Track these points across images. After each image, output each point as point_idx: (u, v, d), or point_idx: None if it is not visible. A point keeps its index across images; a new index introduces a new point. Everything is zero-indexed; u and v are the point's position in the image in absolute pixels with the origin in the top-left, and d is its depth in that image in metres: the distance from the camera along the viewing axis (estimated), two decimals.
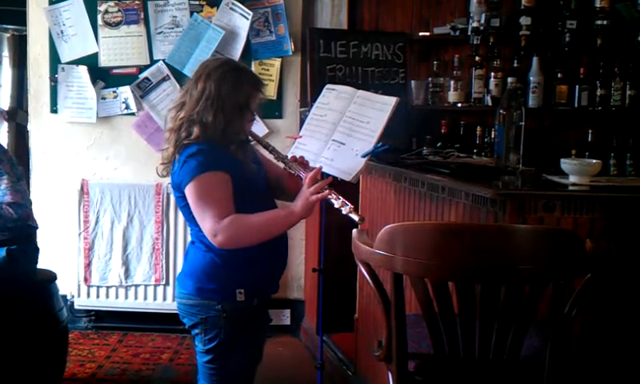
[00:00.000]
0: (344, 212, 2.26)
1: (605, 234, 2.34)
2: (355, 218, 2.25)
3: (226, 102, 2.35)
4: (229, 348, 2.38)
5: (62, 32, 4.47)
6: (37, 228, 3.29)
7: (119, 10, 4.47)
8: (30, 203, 3.30)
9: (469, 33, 4.30)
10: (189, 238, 2.55)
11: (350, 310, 3.68)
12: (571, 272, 1.81)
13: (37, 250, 3.38)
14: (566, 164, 2.64)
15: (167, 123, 2.43)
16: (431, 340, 1.86)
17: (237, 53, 4.38)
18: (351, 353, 3.73)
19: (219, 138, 2.35)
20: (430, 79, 4.46)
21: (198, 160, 2.29)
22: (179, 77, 4.41)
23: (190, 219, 2.38)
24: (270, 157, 2.58)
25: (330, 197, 2.32)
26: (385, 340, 1.95)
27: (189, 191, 2.29)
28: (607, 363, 2.40)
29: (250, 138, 2.49)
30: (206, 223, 2.27)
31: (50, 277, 3.50)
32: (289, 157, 2.56)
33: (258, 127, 4.23)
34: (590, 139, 4.21)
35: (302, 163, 2.51)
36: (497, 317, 1.80)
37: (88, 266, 4.47)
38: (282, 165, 2.53)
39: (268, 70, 4.48)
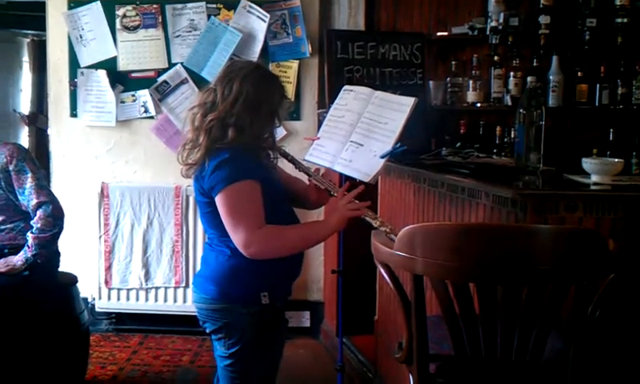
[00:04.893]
0: (382, 231, 2.21)
1: (628, 234, 2.31)
2: (394, 238, 2.22)
3: (263, 107, 2.33)
4: (252, 351, 2.37)
5: (80, 37, 4.51)
6: (61, 230, 3.32)
7: (137, 14, 4.49)
8: (55, 197, 3.33)
9: (487, 32, 4.28)
10: (207, 240, 2.53)
11: (370, 312, 3.66)
12: (594, 272, 1.79)
13: (58, 253, 3.41)
14: (587, 163, 2.61)
15: (188, 122, 2.36)
16: (452, 342, 1.84)
17: (254, 55, 4.39)
18: (371, 354, 3.72)
19: (252, 144, 2.33)
20: (448, 79, 4.44)
21: (231, 167, 2.25)
22: (197, 80, 4.43)
23: (213, 225, 2.34)
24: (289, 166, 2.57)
25: (366, 215, 2.32)
26: (405, 342, 1.94)
27: (221, 200, 2.25)
28: (631, 365, 2.37)
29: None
30: (240, 234, 2.24)
31: (72, 280, 3.52)
32: (307, 165, 2.56)
33: (277, 130, 4.22)
34: (611, 138, 4.17)
35: (326, 176, 2.52)
36: (519, 318, 1.78)
37: (108, 268, 4.50)
38: (303, 176, 2.53)
39: (286, 71, 4.48)
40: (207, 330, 2.43)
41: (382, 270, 1.96)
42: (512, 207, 2.37)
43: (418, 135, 3.27)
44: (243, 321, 2.34)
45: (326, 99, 3.99)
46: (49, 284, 3.32)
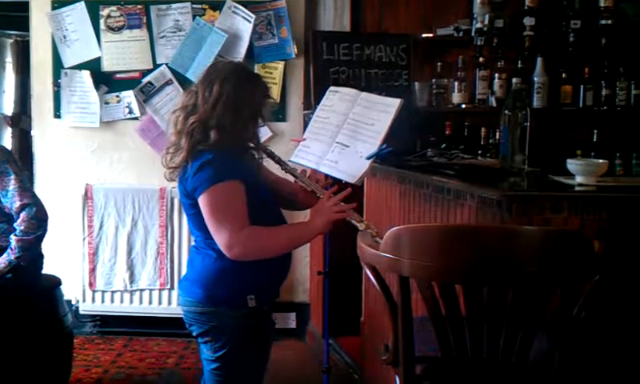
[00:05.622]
0: (368, 233, 2.20)
1: (612, 235, 2.32)
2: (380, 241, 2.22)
3: (244, 107, 2.31)
4: (239, 354, 2.36)
5: (64, 37, 4.47)
6: (45, 233, 3.29)
7: (121, 15, 4.46)
8: (39, 199, 3.30)
9: (472, 34, 4.29)
10: (193, 242, 2.51)
11: (356, 313, 3.66)
12: (579, 273, 1.79)
13: (41, 256, 3.38)
14: (572, 164, 2.62)
15: (171, 126, 2.36)
16: (438, 343, 1.84)
17: (240, 56, 4.37)
18: (358, 356, 3.72)
19: (235, 144, 2.32)
20: (433, 81, 4.44)
21: (214, 168, 2.23)
22: (182, 81, 4.40)
23: (199, 227, 2.33)
24: (275, 167, 2.56)
25: (351, 218, 2.31)
26: (391, 343, 1.94)
27: (204, 200, 2.23)
28: (616, 366, 2.38)
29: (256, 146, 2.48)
30: (223, 235, 2.22)
31: (55, 282, 3.49)
32: (293, 167, 2.56)
33: (262, 131, 4.21)
34: (595, 139, 4.19)
35: (312, 177, 2.52)
36: (505, 319, 1.78)
37: (93, 270, 4.47)
38: (290, 176, 2.52)
39: (271, 73, 4.47)
40: (194, 334, 2.41)
41: (369, 272, 1.96)
42: (497, 208, 2.38)
43: (403, 136, 3.28)
44: (230, 324, 2.32)
45: (312, 100, 3.99)
46: (32, 286, 3.29)
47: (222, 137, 2.28)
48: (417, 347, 1.92)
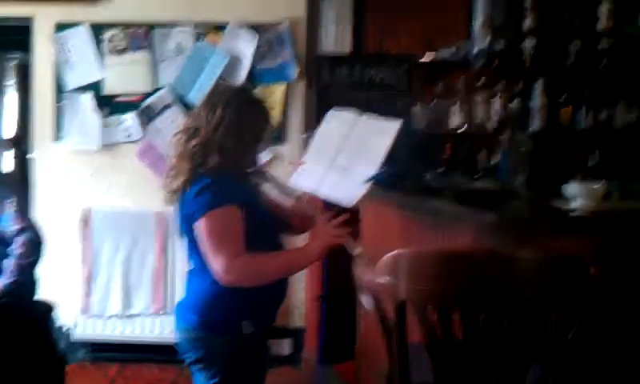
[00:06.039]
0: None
1: (611, 259, 2.31)
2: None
3: (246, 131, 2.31)
4: (233, 382, 2.33)
5: (67, 60, 4.49)
6: (42, 257, 3.27)
7: (124, 38, 4.48)
8: (35, 223, 3.29)
9: (472, 56, 4.29)
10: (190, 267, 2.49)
11: (352, 337, 3.62)
12: (577, 299, 1.77)
13: (36, 280, 3.36)
14: (571, 188, 2.61)
15: (172, 148, 2.35)
16: (433, 369, 1.82)
17: (241, 78, 4.39)
18: (353, 381, 3.68)
19: (236, 168, 2.32)
20: (434, 103, 4.44)
21: (212, 193, 2.22)
22: (184, 103, 4.41)
23: (196, 252, 2.31)
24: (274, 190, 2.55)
25: (348, 243, 2.29)
26: (387, 369, 1.92)
27: (201, 225, 2.22)
28: None
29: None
30: (218, 261, 2.20)
31: (49, 307, 3.46)
32: (292, 190, 2.55)
33: (262, 154, 4.21)
34: (594, 162, 4.17)
35: (311, 201, 2.51)
36: (501, 345, 1.76)
37: (88, 295, 4.42)
38: (287, 200, 2.51)
39: (272, 95, 4.47)
40: (188, 360, 2.38)
41: (364, 297, 1.94)
42: (496, 233, 2.36)
43: (402, 159, 3.28)
44: (224, 351, 2.30)
45: (312, 123, 3.98)
46: (25, 312, 3.26)
47: (223, 160, 2.27)
48: (413, 373, 1.90)
